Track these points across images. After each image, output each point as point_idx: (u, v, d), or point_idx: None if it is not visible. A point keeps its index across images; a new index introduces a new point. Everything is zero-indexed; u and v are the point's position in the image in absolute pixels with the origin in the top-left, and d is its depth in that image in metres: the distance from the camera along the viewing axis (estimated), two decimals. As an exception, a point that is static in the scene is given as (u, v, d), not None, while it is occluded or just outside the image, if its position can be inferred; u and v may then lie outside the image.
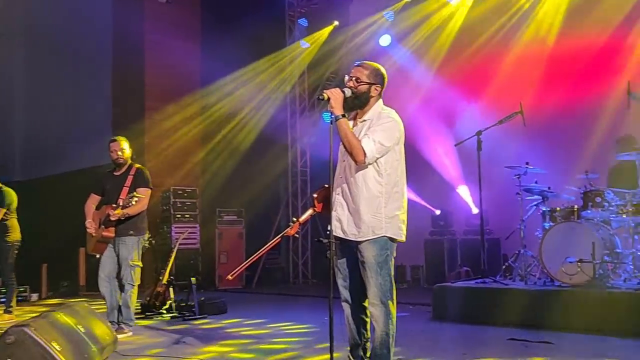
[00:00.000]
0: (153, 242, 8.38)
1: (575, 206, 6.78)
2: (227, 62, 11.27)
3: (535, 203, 7.43)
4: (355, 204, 3.76)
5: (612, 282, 6.27)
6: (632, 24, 8.68)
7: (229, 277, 4.50)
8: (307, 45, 12.60)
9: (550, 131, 9.00)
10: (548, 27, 9.64)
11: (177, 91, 11.57)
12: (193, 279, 7.49)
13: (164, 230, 11.03)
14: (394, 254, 3.82)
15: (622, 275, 6.40)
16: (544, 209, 7.18)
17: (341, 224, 3.82)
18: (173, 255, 8.05)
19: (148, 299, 7.68)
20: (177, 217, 11.03)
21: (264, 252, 4.35)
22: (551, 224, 6.89)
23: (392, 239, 3.76)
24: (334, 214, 3.84)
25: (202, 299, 7.66)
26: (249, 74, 12.03)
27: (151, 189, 6.39)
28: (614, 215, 6.57)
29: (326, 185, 3.99)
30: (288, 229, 4.02)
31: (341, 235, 3.81)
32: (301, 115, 13.01)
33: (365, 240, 3.72)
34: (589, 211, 6.62)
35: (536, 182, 7.33)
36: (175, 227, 10.86)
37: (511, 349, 5.08)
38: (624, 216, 6.46)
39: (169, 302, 7.58)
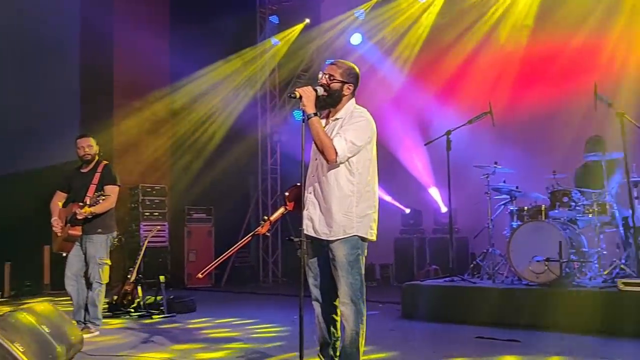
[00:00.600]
0: (122, 240, 8.27)
1: (543, 206, 6.88)
2: (196, 59, 11.18)
3: (503, 202, 7.51)
4: (327, 203, 3.75)
5: (578, 280, 6.38)
6: (600, 26, 8.85)
7: (199, 275, 4.44)
8: (278, 43, 12.57)
9: (519, 131, 9.14)
10: (518, 28, 9.77)
11: (146, 87, 11.44)
12: (162, 278, 7.45)
13: (133, 228, 10.91)
14: (365, 253, 3.83)
15: (587, 273, 6.52)
16: (512, 208, 7.26)
17: (313, 223, 3.81)
18: (141, 253, 7.95)
19: (116, 297, 7.57)
20: (146, 215, 10.92)
21: (234, 250, 4.30)
22: (519, 223, 6.98)
23: (363, 238, 3.77)
24: (305, 212, 3.83)
25: (171, 297, 7.59)
26: (219, 70, 11.95)
27: (119, 186, 6.29)
28: (580, 215, 6.69)
29: (298, 184, 3.98)
30: (259, 227, 3.99)
31: (312, 234, 3.80)
32: (272, 112, 12.95)
33: (337, 240, 3.72)
34: (556, 211, 6.73)
35: (504, 182, 7.42)
36: (144, 225, 10.75)
37: (479, 347, 5.13)
38: (590, 216, 6.58)
39: (137, 301, 7.49)
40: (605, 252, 6.65)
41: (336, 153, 3.63)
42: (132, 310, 7.40)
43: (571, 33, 9.07)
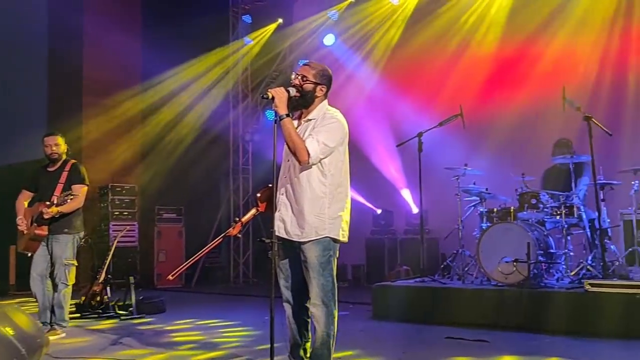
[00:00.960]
0: (89, 240, 8.14)
1: (512, 207, 6.98)
2: (169, 57, 11.07)
3: (473, 204, 7.59)
4: (299, 204, 3.75)
5: (546, 281, 6.48)
6: (568, 31, 9.01)
7: (170, 277, 4.40)
8: (251, 42, 12.52)
9: (489, 134, 9.24)
10: (489, 31, 9.89)
11: (116, 86, 11.29)
12: (131, 278, 7.35)
13: (102, 227, 10.77)
14: (337, 255, 3.83)
15: (555, 274, 6.63)
16: (481, 209, 7.34)
17: (284, 224, 3.80)
18: (111, 253, 7.85)
19: (83, 298, 7.45)
20: (115, 215, 10.79)
21: (205, 252, 4.27)
22: (488, 224, 7.06)
23: (335, 240, 3.77)
24: (277, 214, 3.81)
25: (140, 298, 7.50)
26: (191, 69, 11.86)
27: (87, 185, 6.20)
28: (548, 217, 6.79)
29: (269, 185, 3.96)
30: (230, 228, 3.97)
31: (284, 235, 3.79)
32: (244, 112, 12.89)
33: (309, 241, 3.71)
34: (524, 212, 6.83)
35: (474, 184, 7.49)
36: (113, 225, 10.62)
37: (448, 348, 5.17)
38: (558, 217, 6.69)
39: (105, 302, 7.38)
40: (572, 254, 6.77)
41: (308, 154, 3.63)
42: (101, 311, 7.28)
43: (540, 37, 9.22)
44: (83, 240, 6.33)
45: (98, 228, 10.75)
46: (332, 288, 3.74)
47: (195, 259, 4.30)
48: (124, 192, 11.00)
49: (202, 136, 11.89)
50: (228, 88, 12.62)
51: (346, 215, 3.85)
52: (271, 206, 3.80)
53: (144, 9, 11.91)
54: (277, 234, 3.74)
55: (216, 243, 4.18)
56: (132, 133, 11.63)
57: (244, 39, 12.55)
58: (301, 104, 3.83)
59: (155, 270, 11.02)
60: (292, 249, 3.82)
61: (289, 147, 3.69)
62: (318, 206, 3.73)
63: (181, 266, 4.26)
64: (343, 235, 3.82)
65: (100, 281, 7.48)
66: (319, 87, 3.84)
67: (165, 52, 10.74)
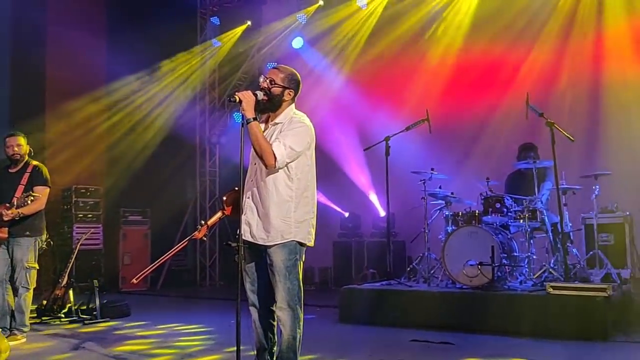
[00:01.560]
0: (51, 243, 7.98)
1: (477, 211, 7.08)
2: (135, 59, 10.94)
3: (439, 207, 7.67)
4: (265, 208, 3.74)
5: (510, 284, 6.59)
6: (533, 38, 9.20)
7: (134, 281, 4.33)
8: (219, 44, 12.45)
9: (455, 139, 9.38)
10: (454, 37, 10.03)
11: (81, 86, 11.09)
12: (95, 281, 7.23)
13: (65, 230, 10.58)
14: (303, 258, 3.84)
15: (518, 277, 6.75)
16: (447, 213, 7.42)
17: (250, 228, 3.79)
18: (74, 256, 7.71)
19: (45, 302, 7.29)
20: (79, 217, 10.61)
21: (170, 255, 4.21)
22: (454, 228, 7.14)
23: (301, 244, 3.77)
24: (243, 217, 3.80)
25: (104, 301, 7.37)
26: (158, 71, 11.75)
27: (49, 187, 6.09)
28: (512, 221, 6.92)
29: (236, 188, 3.94)
30: (196, 232, 3.94)
31: (250, 239, 3.78)
32: (211, 114, 12.81)
33: (275, 245, 3.71)
34: (489, 216, 6.93)
35: (440, 188, 7.58)
36: (77, 227, 10.44)
37: (414, 350, 5.22)
38: (521, 221, 6.82)
39: (68, 306, 7.25)
40: (535, 257, 6.91)
41: (275, 158, 3.62)
42: (63, 315, 7.15)
43: (505, 44, 9.38)
44: (45, 243, 6.21)
45: (61, 230, 10.55)
46: (298, 292, 3.74)
47: (160, 262, 4.24)
48: (88, 194, 10.83)
49: (168, 138, 11.77)
50: (195, 90, 12.53)
51: (313, 219, 3.86)
52: (237, 209, 3.77)
53: (109, 9, 11.73)
54: (243, 237, 3.71)
55: (181, 246, 4.15)
56: (97, 134, 11.45)
57: (212, 40, 12.48)
58: (268, 107, 3.83)
59: (120, 273, 10.86)
60: (259, 253, 3.81)
61: (255, 151, 3.68)
62: (284, 210, 3.73)
63: (145, 269, 4.20)
64: (309, 239, 3.83)
65: (62, 285, 7.34)
66: (287, 91, 3.84)
67: (131, 53, 10.61)
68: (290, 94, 3.86)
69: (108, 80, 11.43)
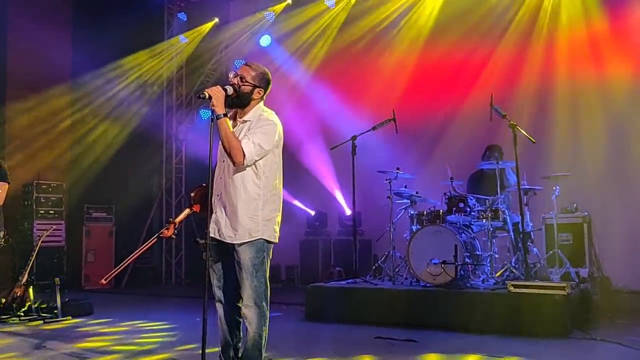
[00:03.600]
0: (10, 240, 7.83)
1: (441, 210, 7.18)
2: (101, 53, 10.80)
3: (404, 206, 7.76)
4: (233, 206, 3.75)
5: (472, 282, 6.70)
6: (496, 41, 9.37)
7: (102, 281, 4.27)
8: (186, 40, 12.35)
9: (420, 139, 9.49)
10: (420, 38, 10.15)
11: (44, 80, 10.90)
12: (56, 279, 7.10)
13: (25, 226, 10.36)
14: (270, 256, 3.85)
15: (480, 276, 6.87)
16: (412, 212, 7.51)
17: (218, 226, 3.79)
18: (34, 253, 7.57)
19: (4, 300, 7.15)
20: (41, 213, 10.41)
21: (138, 253, 4.16)
22: (418, 227, 7.23)
23: (268, 241, 3.79)
24: (213, 216, 3.81)
25: (66, 300, 7.26)
26: (124, 66, 11.60)
27: (8, 183, 5.97)
28: (475, 220, 7.03)
29: (203, 184, 3.94)
30: (164, 229, 3.91)
31: (218, 237, 3.78)
32: (177, 111, 12.70)
33: (243, 243, 3.71)
34: (452, 215, 7.03)
35: (405, 187, 7.66)
36: (38, 224, 10.23)
37: (378, 347, 5.28)
38: (484, 221, 6.94)
39: (28, 304, 7.12)
40: (497, 256, 7.04)
41: (244, 156, 3.62)
42: (22, 314, 7.03)
43: (470, 46, 9.53)
44: (3, 240, 6.10)
45: (21, 227, 10.34)
46: (264, 290, 3.76)
47: (129, 261, 4.19)
48: (50, 189, 10.63)
49: (134, 134, 11.64)
50: (162, 86, 12.41)
51: (279, 217, 3.88)
52: (205, 206, 3.78)
53: (75, 2, 11.53)
54: (211, 235, 3.73)
55: (150, 244, 4.10)
56: (60, 129, 11.26)
57: (179, 37, 12.37)
58: (237, 103, 3.82)
59: (83, 271, 10.69)
60: (226, 250, 3.81)
61: (224, 148, 3.67)
62: (252, 208, 3.74)
63: (114, 269, 4.14)
64: (275, 237, 3.84)
65: (22, 283, 7.21)
66: (256, 90, 3.83)
67: (97, 47, 10.47)
68: (259, 93, 3.85)
69: (73, 75, 11.26)
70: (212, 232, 3.78)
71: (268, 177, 3.79)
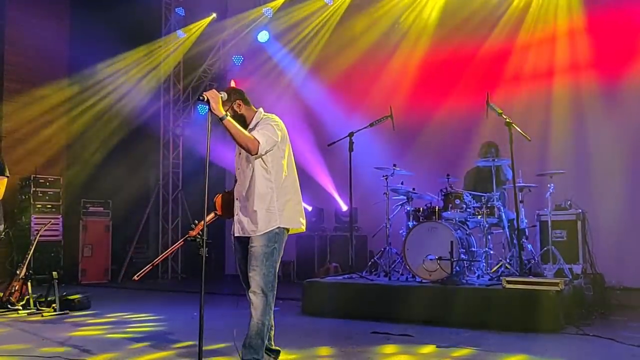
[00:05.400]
0: (10, 233, 7.86)
1: (437, 207, 7.23)
2: (98, 48, 10.79)
3: (400, 203, 7.82)
4: (251, 204, 3.97)
5: (467, 278, 6.77)
6: (495, 40, 9.43)
7: (135, 277, 4.37)
8: (184, 36, 12.35)
9: (417, 136, 9.55)
10: (419, 35, 10.19)
11: (42, 74, 10.93)
12: (54, 273, 7.14)
13: (23, 221, 10.38)
14: (281, 251, 4.05)
15: (476, 272, 6.94)
16: (408, 208, 7.57)
17: (241, 225, 4.03)
18: (32, 248, 7.60)
19: (1, 295, 7.19)
20: (38, 207, 10.44)
21: (169, 253, 4.50)
22: (414, 223, 7.29)
23: (286, 229, 4.02)
24: (236, 217, 4.07)
25: (64, 294, 7.30)
26: (122, 61, 11.60)
27: (7, 177, 6.00)
28: (470, 216, 7.10)
29: (227, 191, 4.22)
30: (190, 230, 4.02)
31: (242, 234, 4.02)
32: (175, 106, 12.71)
33: (260, 234, 3.93)
34: (449, 212, 7.09)
35: (402, 184, 7.72)
36: (36, 218, 10.26)
37: (374, 341, 5.33)
38: (479, 217, 7.01)
39: (26, 298, 7.16)
40: (492, 252, 7.11)
41: (258, 142, 3.82)
42: (21, 307, 7.07)
43: (467, 45, 9.58)
44: (3, 234, 6.12)
45: (18, 221, 10.37)
46: (272, 280, 3.94)
47: (160, 259, 4.47)
48: (47, 184, 10.65)
49: (132, 129, 11.65)
50: (159, 81, 12.41)
51: (297, 205, 4.11)
52: (228, 210, 4.11)
53: (73, -5, 11.55)
54: (236, 234, 4.04)
55: (179, 244, 4.34)
56: (58, 123, 11.27)
57: (176, 32, 12.36)
58: (240, 124, 3.94)
59: (80, 266, 10.72)
60: (245, 244, 4.03)
61: (238, 143, 3.88)
62: (267, 201, 3.97)
63: (146, 267, 4.29)
64: (295, 222, 4.07)
65: (20, 277, 7.25)
66: (236, 103, 4.01)
67: (95, 41, 10.46)
68: (239, 104, 4.03)
69: (70, 69, 11.27)
70: (237, 231, 4.05)
71: (277, 171, 4.02)
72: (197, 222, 4.04)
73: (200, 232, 3.72)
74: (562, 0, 9.20)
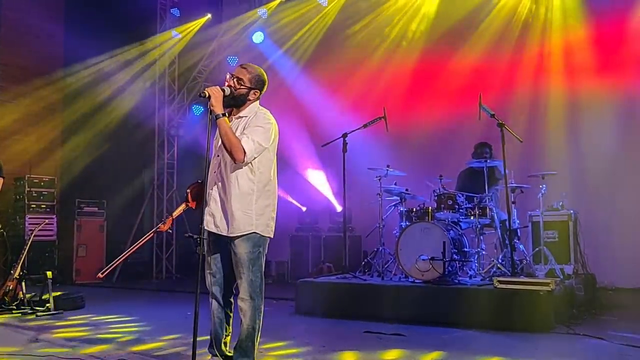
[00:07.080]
0: (4, 233, 7.86)
1: (430, 207, 7.28)
2: (93, 45, 10.78)
3: (394, 203, 7.86)
4: (227, 199, 3.85)
5: (460, 278, 6.82)
6: (487, 43, 9.49)
7: (100, 275, 4.34)
8: (179, 36, 12.37)
9: (410, 137, 9.60)
10: (413, 37, 10.24)
11: (35, 71, 10.91)
12: (48, 273, 7.14)
13: (17, 221, 10.38)
14: (266, 251, 3.96)
15: (468, 272, 6.99)
16: (401, 209, 7.61)
17: (214, 219, 3.89)
18: (26, 248, 7.60)
19: (-4, 294, 7.19)
20: (32, 207, 10.44)
21: (135, 247, 4.25)
22: (407, 223, 7.33)
23: (262, 236, 3.88)
24: (207, 209, 3.90)
25: (58, 294, 7.31)
26: (117, 59, 11.60)
27: (3, 177, 6.01)
28: (463, 217, 7.15)
29: (199, 181, 4.04)
30: (160, 224, 4.00)
31: (213, 229, 3.88)
32: (170, 105, 12.72)
33: (239, 237, 3.82)
34: (441, 213, 7.15)
35: (395, 184, 7.77)
36: (30, 218, 10.26)
37: (366, 341, 5.37)
38: (472, 218, 7.06)
39: (20, 298, 7.16)
40: (484, 252, 7.16)
41: (244, 153, 3.72)
42: (15, 307, 7.07)
43: (461, 48, 9.66)
44: (-1, 233, 6.14)
45: (12, 221, 10.36)
46: (260, 284, 3.88)
47: (127, 255, 4.30)
48: (42, 183, 10.64)
49: (126, 128, 11.66)
50: (154, 81, 12.42)
51: (273, 212, 3.98)
52: (201, 202, 3.88)
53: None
54: (206, 228, 3.84)
55: (147, 238, 4.19)
56: (51, 122, 11.27)
57: (171, 31, 12.38)
58: (232, 104, 3.93)
59: (74, 266, 10.71)
60: (222, 244, 3.91)
61: (225, 146, 3.76)
62: (246, 202, 3.84)
63: (112, 263, 4.22)
64: (269, 231, 3.94)
65: (14, 277, 7.25)
66: (252, 92, 3.94)
67: (89, 39, 10.45)
68: (255, 94, 3.97)
69: (65, 66, 11.25)
70: (208, 224, 3.88)
71: (262, 172, 3.90)
72: (167, 214, 4.02)
73: (199, 232, 3.71)
74: (556, 2, 9.28)
